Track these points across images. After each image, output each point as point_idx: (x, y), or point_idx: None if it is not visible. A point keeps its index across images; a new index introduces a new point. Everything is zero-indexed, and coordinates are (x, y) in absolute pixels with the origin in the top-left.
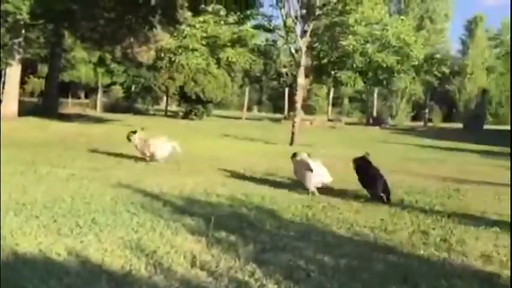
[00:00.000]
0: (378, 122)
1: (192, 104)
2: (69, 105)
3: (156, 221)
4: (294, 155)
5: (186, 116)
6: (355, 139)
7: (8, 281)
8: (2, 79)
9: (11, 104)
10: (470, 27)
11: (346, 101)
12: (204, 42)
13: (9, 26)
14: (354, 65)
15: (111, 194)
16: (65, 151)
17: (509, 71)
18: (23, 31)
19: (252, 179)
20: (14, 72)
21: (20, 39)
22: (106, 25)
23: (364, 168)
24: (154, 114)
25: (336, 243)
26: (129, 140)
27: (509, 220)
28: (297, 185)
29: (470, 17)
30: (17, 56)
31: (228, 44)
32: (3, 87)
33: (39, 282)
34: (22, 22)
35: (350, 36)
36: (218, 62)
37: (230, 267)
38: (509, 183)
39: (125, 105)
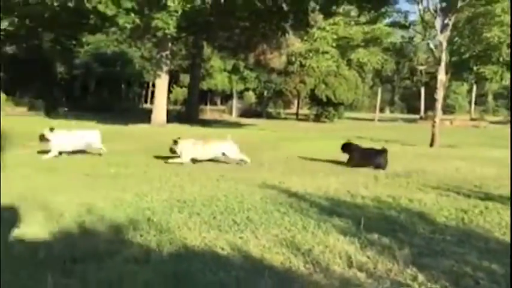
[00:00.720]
0: None
1: (323, 106)
2: (208, 112)
3: (306, 221)
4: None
5: (317, 118)
6: (503, 139)
7: (183, 271)
8: (151, 89)
9: (161, 112)
10: None
11: (490, 98)
12: (334, 44)
13: (156, 41)
14: (501, 59)
15: (260, 194)
16: None
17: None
18: (170, 44)
19: (394, 180)
20: (162, 83)
21: (167, 52)
22: (241, 34)
23: (359, 151)
24: (285, 118)
25: (503, 250)
26: (41, 139)
27: None
28: (446, 187)
29: None
30: (165, 68)
31: (361, 44)
32: (152, 97)
33: (210, 273)
34: (169, 36)
35: (495, 27)
36: (349, 63)
37: (389, 269)
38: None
39: (257, 110)
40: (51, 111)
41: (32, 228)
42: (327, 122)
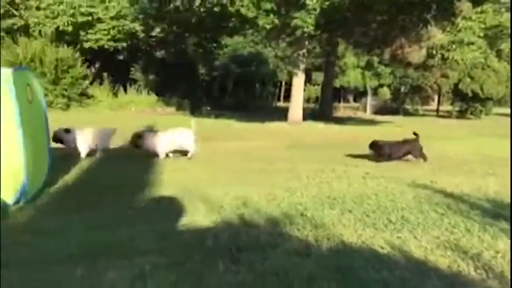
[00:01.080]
0: None
1: (468, 102)
2: (341, 109)
3: (468, 223)
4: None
5: (461, 115)
6: None
7: (346, 267)
8: (284, 88)
9: (297, 110)
10: None
11: None
12: (481, 34)
13: (292, 40)
14: None
15: (412, 193)
16: (351, 151)
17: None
18: (306, 43)
19: None
20: (299, 81)
21: (304, 50)
22: (378, 28)
23: (387, 146)
24: (424, 115)
25: None
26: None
27: None
28: None
29: None
30: (301, 66)
31: None
32: (285, 96)
33: (373, 271)
34: (306, 34)
35: None
36: (499, 54)
37: None
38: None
39: (393, 107)
40: (195, 111)
41: (196, 218)
42: (472, 118)
